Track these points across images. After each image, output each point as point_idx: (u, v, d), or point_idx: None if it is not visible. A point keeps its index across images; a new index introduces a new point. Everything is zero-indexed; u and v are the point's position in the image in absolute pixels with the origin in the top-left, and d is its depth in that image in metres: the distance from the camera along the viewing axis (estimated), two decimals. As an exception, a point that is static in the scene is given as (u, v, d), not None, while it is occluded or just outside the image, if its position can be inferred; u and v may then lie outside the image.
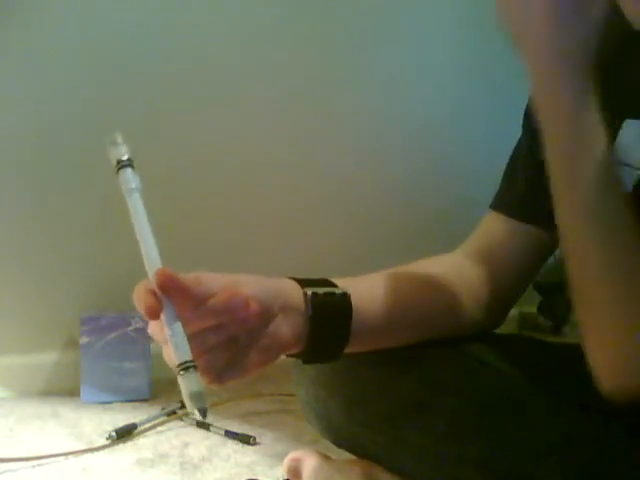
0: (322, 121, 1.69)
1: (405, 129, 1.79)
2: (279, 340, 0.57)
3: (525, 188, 0.73)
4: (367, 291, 0.65)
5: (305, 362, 0.62)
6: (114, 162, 0.54)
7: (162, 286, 0.51)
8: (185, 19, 1.52)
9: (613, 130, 0.60)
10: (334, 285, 0.63)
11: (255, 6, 1.58)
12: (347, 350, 0.63)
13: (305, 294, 0.59)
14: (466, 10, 1.84)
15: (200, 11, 1.53)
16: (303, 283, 0.61)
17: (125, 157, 0.54)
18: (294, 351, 0.60)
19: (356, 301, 0.62)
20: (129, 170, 0.53)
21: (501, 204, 0.75)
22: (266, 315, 0.56)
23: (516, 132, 0.77)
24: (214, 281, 0.54)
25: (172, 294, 0.51)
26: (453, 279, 0.72)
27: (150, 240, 0.53)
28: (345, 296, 0.61)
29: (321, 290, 0.60)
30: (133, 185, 0.53)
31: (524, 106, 0.75)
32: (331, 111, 1.69)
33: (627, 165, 0.60)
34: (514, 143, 0.77)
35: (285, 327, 0.58)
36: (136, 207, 0.53)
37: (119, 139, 0.54)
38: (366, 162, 1.75)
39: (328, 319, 0.60)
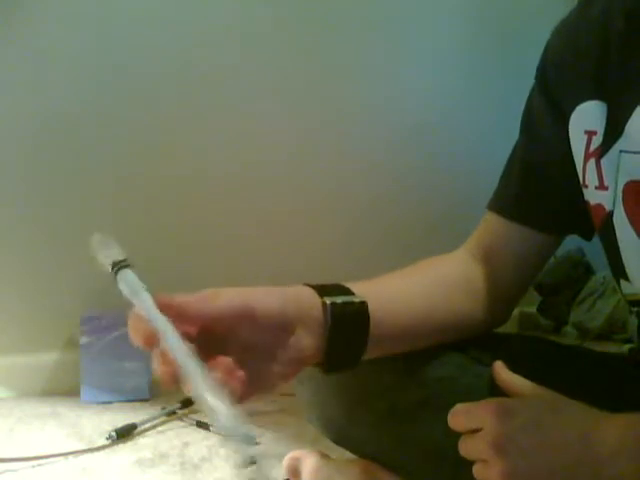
0: (322, 121, 1.68)
1: (405, 129, 1.79)
2: (302, 352, 0.57)
3: (519, 190, 0.73)
4: (383, 297, 0.64)
5: (325, 372, 0.61)
6: (109, 263, 0.50)
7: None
8: (186, 20, 1.52)
9: (623, 118, 0.60)
10: (351, 292, 0.61)
11: (255, 7, 1.58)
12: (364, 357, 0.62)
13: (324, 304, 0.58)
14: (466, 10, 1.84)
15: (201, 12, 1.53)
16: (321, 291, 0.59)
17: (122, 257, 0.50)
18: (314, 361, 0.59)
19: (373, 309, 0.61)
20: (129, 271, 0.50)
21: (495, 204, 0.75)
22: (287, 327, 0.55)
23: (516, 132, 0.77)
24: (227, 299, 0.53)
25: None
26: (460, 282, 0.72)
27: (175, 337, 0.48)
28: (363, 304, 0.60)
29: (339, 299, 0.59)
30: (141, 285, 0.49)
31: (523, 107, 0.75)
32: (331, 111, 1.69)
33: (637, 153, 0.60)
34: (514, 143, 0.77)
35: (306, 339, 0.57)
36: (149, 307, 0.49)
37: (107, 239, 0.50)
38: (366, 162, 1.74)
39: (347, 328, 0.59)
